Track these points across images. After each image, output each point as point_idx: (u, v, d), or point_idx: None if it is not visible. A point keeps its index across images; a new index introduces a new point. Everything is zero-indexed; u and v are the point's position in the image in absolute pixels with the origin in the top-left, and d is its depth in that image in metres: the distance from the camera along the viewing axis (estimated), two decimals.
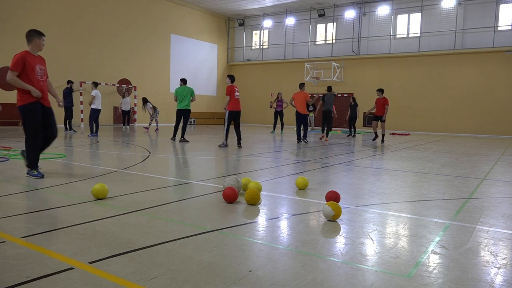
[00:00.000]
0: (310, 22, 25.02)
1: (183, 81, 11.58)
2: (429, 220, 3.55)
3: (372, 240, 2.91)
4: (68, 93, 14.55)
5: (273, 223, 3.38)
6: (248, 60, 27.76)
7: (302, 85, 12.48)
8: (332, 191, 4.00)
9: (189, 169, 6.52)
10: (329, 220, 3.40)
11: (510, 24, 19.42)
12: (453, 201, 4.36)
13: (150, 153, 8.44)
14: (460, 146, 12.72)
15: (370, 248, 2.75)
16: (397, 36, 22.39)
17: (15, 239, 2.72)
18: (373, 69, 22.95)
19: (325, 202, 3.72)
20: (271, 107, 18.01)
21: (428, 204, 4.22)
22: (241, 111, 10.21)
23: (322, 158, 8.42)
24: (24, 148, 5.17)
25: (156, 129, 16.77)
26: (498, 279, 2.27)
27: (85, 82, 18.65)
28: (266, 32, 27.20)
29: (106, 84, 20.14)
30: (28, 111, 5.02)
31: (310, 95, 14.74)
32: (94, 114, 13.09)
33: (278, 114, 17.32)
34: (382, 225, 3.35)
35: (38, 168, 5.19)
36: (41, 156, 5.29)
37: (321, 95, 14.52)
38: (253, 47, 27.87)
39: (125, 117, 17.26)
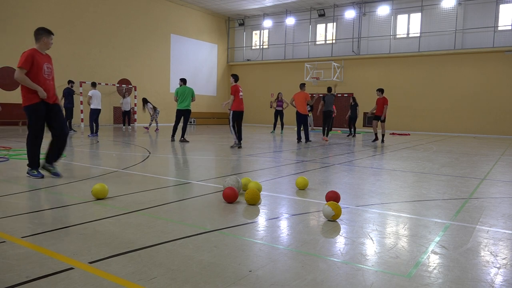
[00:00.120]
0: (310, 22, 25.03)
1: (183, 81, 11.57)
2: (429, 220, 3.55)
3: (372, 240, 2.91)
4: (68, 93, 14.55)
5: (273, 223, 3.38)
6: (248, 60, 27.76)
7: (302, 86, 12.56)
8: (332, 191, 4.00)
9: (189, 169, 6.52)
10: (329, 220, 3.40)
11: (510, 24, 19.42)
12: (453, 201, 4.36)
13: (150, 153, 8.44)
14: (460, 146, 12.72)
15: (370, 248, 2.75)
16: (397, 36, 22.39)
17: (15, 239, 2.72)
18: (373, 69, 22.95)
19: (325, 202, 3.72)
20: (271, 107, 18.01)
21: (428, 204, 4.22)
22: (244, 111, 10.20)
23: (322, 158, 8.42)
24: (46, 162, 5.11)
25: (156, 129, 16.76)
26: (498, 279, 2.27)
27: (85, 82, 18.65)
28: (266, 32, 27.20)
29: (106, 84, 20.14)
30: (32, 112, 4.98)
31: (310, 95, 14.73)
32: (94, 114, 13.09)
33: (278, 114, 17.32)
34: (382, 225, 3.35)
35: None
36: (40, 156, 5.27)
37: (321, 95, 14.55)
38: (253, 47, 27.87)
39: (125, 117, 17.26)
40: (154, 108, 16.83)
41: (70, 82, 14.92)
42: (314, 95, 15.51)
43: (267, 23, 26.60)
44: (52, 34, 5.12)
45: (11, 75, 17.08)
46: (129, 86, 21.20)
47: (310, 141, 12.55)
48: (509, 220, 3.60)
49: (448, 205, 4.18)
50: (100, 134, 13.60)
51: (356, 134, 17.40)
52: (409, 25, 22.03)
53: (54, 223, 3.15)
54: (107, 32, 20.43)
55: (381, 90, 13.12)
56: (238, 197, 4.10)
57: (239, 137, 10.13)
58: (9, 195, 4.12)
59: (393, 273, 2.32)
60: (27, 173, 5.15)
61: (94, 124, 13.09)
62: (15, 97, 17.26)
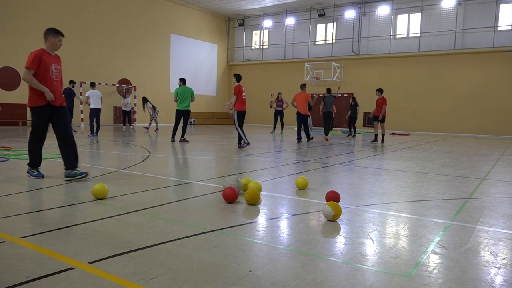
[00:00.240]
0: (310, 22, 25.03)
1: (183, 81, 11.56)
2: (429, 220, 3.55)
3: (372, 240, 2.91)
4: (69, 93, 14.54)
5: (273, 223, 3.38)
6: (248, 60, 27.76)
7: (303, 86, 12.69)
8: (332, 191, 4.00)
9: (189, 169, 6.52)
10: (329, 220, 3.40)
11: (510, 24, 19.42)
12: (453, 201, 4.35)
13: (150, 153, 8.44)
14: (460, 146, 12.72)
15: (370, 248, 2.75)
16: (397, 36, 22.39)
17: (15, 239, 2.71)
18: (373, 69, 22.95)
19: (325, 202, 3.72)
20: (271, 107, 18.02)
21: (428, 204, 4.22)
22: (246, 111, 10.18)
23: (322, 158, 8.42)
24: (74, 171, 5.04)
25: (156, 129, 16.77)
26: (498, 279, 2.27)
27: (85, 82, 18.65)
28: (266, 32, 27.20)
29: (106, 84, 20.15)
30: (36, 114, 4.95)
31: (310, 95, 14.80)
32: (92, 114, 13.07)
33: (278, 114, 17.32)
34: (382, 225, 3.35)
35: (40, 168, 5.17)
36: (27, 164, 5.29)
37: (321, 95, 14.61)
38: (253, 47, 27.87)
39: (125, 117, 17.26)
40: (154, 108, 16.82)
41: (71, 82, 14.90)
42: (314, 95, 15.55)
43: (267, 23, 26.60)
44: (61, 34, 5.02)
45: (11, 75, 17.09)
46: (129, 86, 21.21)
47: (312, 138, 12.63)
48: (509, 220, 3.60)
49: (448, 205, 4.18)
50: (100, 134, 13.60)
51: (356, 134, 17.40)
52: (409, 25, 22.03)
53: (54, 223, 3.15)
54: (107, 32, 20.43)
55: (380, 90, 13.13)
56: (238, 197, 4.10)
57: (239, 137, 10.11)
58: (9, 195, 4.12)
59: (393, 273, 2.32)
60: (27, 172, 5.14)
61: (95, 124, 13.09)
62: (15, 97, 17.26)
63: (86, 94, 13.13)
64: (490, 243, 2.91)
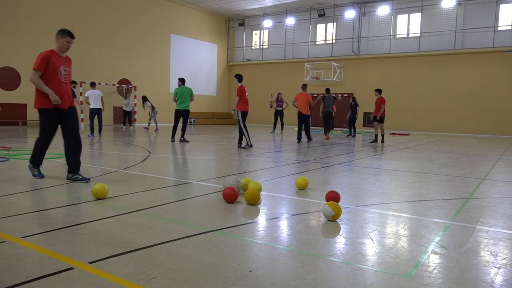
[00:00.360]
0: (310, 22, 25.03)
1: (182, 81, 11.55)
2: (429, 220, 3.55)
3: (372, 240, 2.91)
4: None
5: (273, 223, 3.38)
6: (248, 60, 27.76)
7: (304, 86, 12.77)
8: (332, 191, 4.00)
9: (189, 169, 6.52)
10: (329, 220, 3.40)
11: (510, 24, 19.42)
12: (453, 201, 4.35)
13: (150, 153, 8.44)
14: (460, 146, 12.72)
15: (370, 248, 2.75)
16: (397, 36, 22.39)
17: (15, 239, 2.71)
18: (373, 69, 22.95)
19: (325, 202, 3.72)
20: (271, 107, 18.02)
21: (428, 204, 4.22)
22: (248, 111, 10.14)
23: (322, 158, 8.42)
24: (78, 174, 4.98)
25: (156, 129, 16.77)
26: (498, 279, 2.27)
27: (85, 82, 18.65)
28: (266, 32, 27.20)
29: (106, 84, 20.14)
30: (42, 116, 4.88)
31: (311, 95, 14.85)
32: (92, 114, 13.05)
33: (278, 114, 17.32)
34: (382, 225, 3.35)
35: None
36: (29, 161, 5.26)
37: (322, 95, 14.66)
38: (253, 47, 27.87)
39: (126, 117, 17.26)
40: (153, 108, 16.82)
41: (72, 82, 14.89)
42: (314, 95, 15.60)
43: (267, 23, 26.60)
44: (69, 35, 4.86)
45: (11, 75, 17.09)
46: (129, 86, 21.21)
47: (312, 139, 12.66)
48: (509, 220, 3.60)
49: (448, 205, 4.18)
50: (98, 134, 13.57)
51: (356, 134, 17.40)
52: (409, 25, 22.03)
53: (54, 223, 3.15)
54: (107, 32, 20.43)
55: (378, 91, 13.15)
56: (238, 197, 4.10)
57: (240, 137, 10.10)
58: (9, 195, 4.12)
59: (393, 273, 2.32)
60: (28, 167, 5.10)
61: (98, 124, 13.10)
62: (15, 97, 17.26)
63: (86, 94, 13.12)
64: (490, 243, 2.91)
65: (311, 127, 13.20)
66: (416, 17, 21.77)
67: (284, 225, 3.32)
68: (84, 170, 5.93)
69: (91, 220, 3.24)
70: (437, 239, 2.98)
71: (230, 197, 3.93)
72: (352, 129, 16.25)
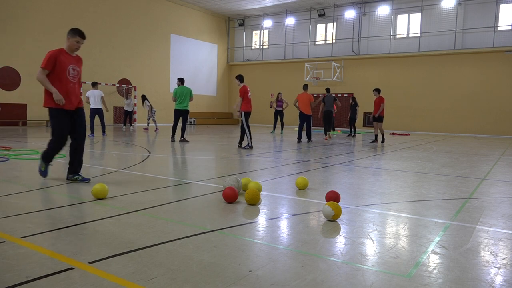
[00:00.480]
0: (310, 22, 25.02)
1: (181, 81, 11.54)
2: (429, 220, 3.55)
3: (372, 240, 2.91)
4: None
5: (273, 223, 3.38)
6: (248, 60, 27.76)
7: (305, 87, 12.85)
8: (332, 191, 4.00)
9: (189, 169, 6.52)
10: (329, 220, 3.40)
11: (510, 24, 19.42)
12: (453, 201, 4.35)
13: (150, 153, 8.44)
14: (460, 146, 12.72)
15: (370, 248, 2.75)
16: (397, 36, 22.39)
17: (15, 239, 2.71)
18: (373, 69, 22.95)
19: (325, 202, 3.72)
20: (271, 107, 18.02)
21: (428, 204, 4.22)
22: (251, 111, 10.07)
23: (322, 158, 8.42)
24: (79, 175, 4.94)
25: (156, 129, 16.78)
26: (498, 279, 2.27)
27: (85, 82, 18.61)
28: (266, 32, 27.20)
29: (106, 84, 20.14)
30: (51, 116, 4.78)
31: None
32: (92, 114, 13.03)
33: (278, 114, 17.32)
34: (382, 225, 3.35)
35: (49, 164, 4.94)
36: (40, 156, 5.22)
37: (322, 95, 14.71)
38: (253, 47, 27.87)
39: (126, 117, 17.26)
40: (151, 107, 16.84)
41: None
42: (314, 95, 15.63)
43: (267, 23, 26.60)
44: (79, 35, 4.77)
45: (11, 75, 17.09)
46: (129, 86, 21.20)
47: (312, 140, 12.69)
48: (509, 220, 3.60)
49: (448, 205, 4.18)
50: (97, 134, 13.56)
51: (356, 134, 17.41)
52: (409, 25, 22.03)
53: (54, 223, 3.15)
54: (107, 32, 20.42)
55: (377, 90, 13.18)
56: (238, 197, 4.10)
57: (241, 137, 10.08)
58: (9, 195, 4.12)
59: (393, 273, 2.32)
60: (39, 159, 4.98)
61: (101, 124, 13.10)
62: (15, 97, 17.26)
63: (86, 94, 13.12)
64: (490, 243, 2.91)
65: (311, 127, 13.29)
66: (416, 17, 21.77)
67: (284, 225, 3.32)
68: (84, 170, 5.93)
69: (91, 220, 3.24)
70: (437, 239, 2.98)
71: (230, 197, 3.93)
72: (352, 129, 16.26)
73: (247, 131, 9.84)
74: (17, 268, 2.24)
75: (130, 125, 17.88)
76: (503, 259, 2.60)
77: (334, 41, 24.32)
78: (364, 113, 22.44)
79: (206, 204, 3.92)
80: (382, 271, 2.34)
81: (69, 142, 4.99)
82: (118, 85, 20.93)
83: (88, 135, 12.82)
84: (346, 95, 23.24)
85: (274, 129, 17.74)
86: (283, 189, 4.82)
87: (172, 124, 11.74)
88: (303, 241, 2.86)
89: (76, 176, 4.91)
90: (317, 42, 25.24)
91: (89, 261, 2.36)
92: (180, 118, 11.42)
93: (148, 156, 7.90)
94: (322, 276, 2.24)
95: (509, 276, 2.34)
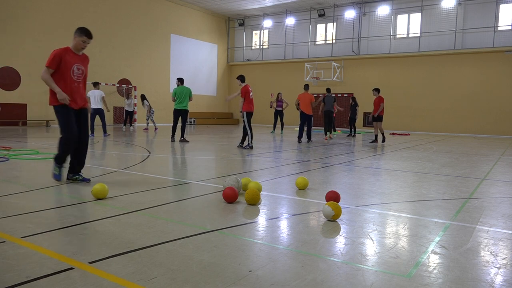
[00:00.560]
0: (310, 22, 25.02)
1: (181, 80, 11.54)
2: (429, 220, 3.55)
3: (372, 240, 2.91)
4: None
5: (273, 223, 3.38)
6: (248, 60, 27.76)
7: (307, 87, 12.91)
8: (332, 191, 4.00)
9: (189, 169, 6.52)
10: (329, 220, 3.40)
11: (510, 24, 19.41)
12: (453, 201, 4.35)
13: (150, 153, 8.44)
14: (460, 146, 12.72)
15: (370, 248, 2.75)
16: (397, 36, 22.39)
17: (15, 239, 2.71)
18: (373, 69, 22.95)
19: (325, 202, 3.72)
20: (271, 107, 18.02)
21: (428, 204, 4.22)
22: (253, 111, 9.99)
23: (322, 158, 8.42)
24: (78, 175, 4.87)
25: (155, 128, 16.80)
26: (498, 279, 2.27)
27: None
28: (266, 32, 27.20)
29: (106, 84, 20.13)
30: (58, 113, 4.71)
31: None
32: (92, 114, 13.03)
33: (278, 114, 17.32)
34: (382, 225, 3.35)
35: (62, 167, 4.83)
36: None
37: (322, 95, 14.73)
38: (253, 47, 27.87)
39: (127, 118, 17.27)
40: (149, 107, 16.85)
41: None
42: (314, 95, 15.66)
43: (267, 23, 26.60)
44: (86, 35, 4.70)
45: (11, 75, 17.09)
46: (129, 86, 21.20)
47: (312, 140, 12.71)
48: (509, 220, 3.60)
49: (448, 205, 4.18)
50: (97, 134, 13.56)
51: (356, 134, 17.41)
52: (409, 25, 22.02)
53: (54, 223, 3.15)
54: (107, 32, 20.42)
55: (377, 90, 13.19)
56: (238, 197, 4.10)
57: (243, 137, 10.07)
58: (9, 195, 4.12)
59: (393, 273, 2.32)
60: (52, 165, 4.86)
61: (102, 125, 13.12)
62: (15, 97, 17.26)
63: (87, 94, 13.11)
64: (490, 243, 2.91)
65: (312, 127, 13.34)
66: (416, 17, 21.77)
67: (284, 225, 3.32)
68: (84, 170, 5.92)
69: (91, 220, 3.24)
70: (437, 239, 2.98)
71: (230, 197, 3.93)
72: (352, 129, 16.26)
73: (248, 131, 9.83)
74: (17, 268, 2.24)
75: (130, 125, 17.89)
76: (503, 259, 2.60)
77: (334, 41, 24.32)
78: (364, 113, 22.44)
79: (206, 204, 3.92)
80: (382, 271, 2.34)
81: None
82: (118, 85, 20.92)
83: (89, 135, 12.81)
84: (346, 95, 23.24)
85: (274, 129, 17.74)
86: (283, 189, 4.82)
87: (172, 124, 11.75)
88: (303, 241, 2.86)
89: (77, 176, 4.90)
90: (317, 42, 25.24)
91: (89, 261, 2.36)
92: (180, 118, 11.42)
93: (148, 156, 7.90)
94: (322, 276, 2.24)
95: (509, 276, 2.34)
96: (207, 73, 26.78)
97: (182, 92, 11.18)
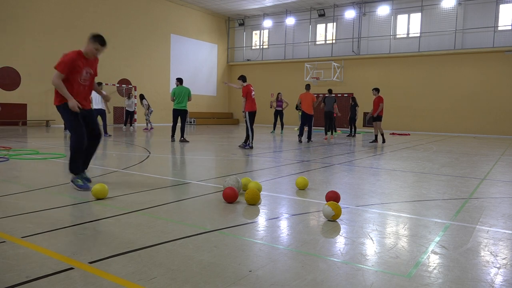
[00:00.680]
0: (310, 22, 25.02)
1: (180, 80, 11.53)
2: (429, 220, 3.55)
3: (372, 240, 2.91)
4: None
5: (273, 223, 3.38)
6: (248, 60, 27.75)
7: (308, 87, 12.94)
8: (332, 191, 4.00)
9: (189, 169, 6.52)
10: (329, 220, 3.40)
11: (510, 24, 19.41)
12: (453, 201, 4.35)
13: (150, 153, 8.44)
14: (460, 146, 12.72)
15: (370, 248, 2.75)
16: (397, 36, 22.38)
17: (15, 239, 2.71)
18: (373, 69, 22.95)
19: (325, 202, 3.72)
20: (271, 107, 18.02)
21: (428, 204, 4.22)
22: (256, 111, 9.94)
23: (322, 158, 8.42)
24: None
25: (151, 127, 16.93)
26: (498, 279, 2.27)
27: None
28: (266, 32, 27.19)
29: (106, 84, 20.12)
30: (62, 109, 4.59)
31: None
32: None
33: (278, 114, 17.32)
34: (382, 225, 3.35)
35: (85, 173, 4.69)
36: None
37: (322, 95, 14.75)
38: (253, 47, 27.86)
39: (127, 118, 17.28)
40: (148, 107, 16.88)
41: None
42: (315, 95, 15.68)
43: (267, 23, 26.60)
44: (100, 44, 4.62)
45: (11, 75, 17.09)
46: (129, 86, 21.20)
47: (312, 140, 12.73)
48: (509, 220, 3.60)
49: (448, 205, 4.18)
50: None
51: (356, 134, 17.41)
52: (409, 25, 22.02)
53: (54, 223, 3.15)
54: (107, 32, 20.33)
55: (377, 90, 13.20)
56: (238, 197, 4.10)
57: (246, 137, 10.05)
58: (9, 195, 4.12)
59: (393, 273, 2.32)
60: (71, 181, 4.55)
61: (103, 125, 13.12)
62: (15, 97, 17.26)
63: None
64: (490, 243, 2.91)
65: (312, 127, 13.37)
66: (416, 17, 21.76)
67: (284, 225, 3.32)
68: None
69: (91, 220, 3.24)
70: (437, 239, 2.98)
71: (230, 197, 3.93)
72: (352, 129, 16.27)
73: (250, 131, 9.82)
74: (17, 268, 2.24)
75: (131, 125, 17.90)
76: (503, 259, 2.60)
77: (334, 41, 24.32)
78: (364, 113, 22.44)
79: (206, 204, 3.92)
80: (382, 271, 2.34)
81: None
82: (118, 85, 20.92)
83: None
84: (346, 95, 23.23)
85: (274, 129, 17.74)
86: (283, 189, 4.82)
87: (171, 124, 11.75)
88: (303, 241, 2.86)
89: (81, 174, 4.87)
90: (317, 42, 25.24)
91: (89, 261, 2.36)
92: (179, 118, 11.42)
93: (148, 156, 7.90)
94: (322, 276, 2.24)
95: (509, 276, 2.34)
96: (207, 73, 26.78)
97: (181, 92, 11.17)
